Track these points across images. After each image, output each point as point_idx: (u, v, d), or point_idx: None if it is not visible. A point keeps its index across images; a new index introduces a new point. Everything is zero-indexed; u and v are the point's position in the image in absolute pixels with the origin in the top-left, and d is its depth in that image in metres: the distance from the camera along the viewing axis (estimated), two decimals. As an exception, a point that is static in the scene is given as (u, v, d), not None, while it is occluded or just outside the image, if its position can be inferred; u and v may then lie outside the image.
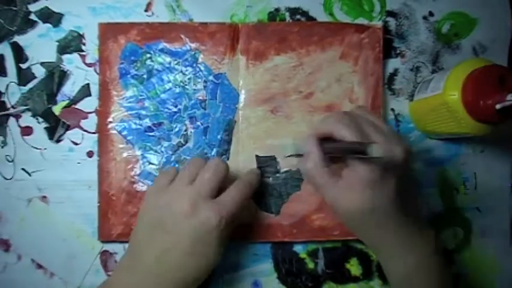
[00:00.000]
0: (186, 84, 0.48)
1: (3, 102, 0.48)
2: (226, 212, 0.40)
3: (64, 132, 0.48)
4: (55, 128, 0.48)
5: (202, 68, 0.48)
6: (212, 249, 0.40)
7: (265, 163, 0.48)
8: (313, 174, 0.40)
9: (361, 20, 0.50)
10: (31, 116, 0.48)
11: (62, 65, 0.49)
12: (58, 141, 0.48)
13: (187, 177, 0.42)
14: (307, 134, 0.41)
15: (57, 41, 0.49)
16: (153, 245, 0.40)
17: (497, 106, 0.39)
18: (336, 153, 0.40)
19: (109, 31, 0.48)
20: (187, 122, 0.48)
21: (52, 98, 0.48)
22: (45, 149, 0.48)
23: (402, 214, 0.40)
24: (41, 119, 0.48)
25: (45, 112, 0.48)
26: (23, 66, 0.49)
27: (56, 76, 0.48)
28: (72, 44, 0.49)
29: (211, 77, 0.48)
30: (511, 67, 0.49)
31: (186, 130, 0.48)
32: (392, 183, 0.39)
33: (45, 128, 0.48)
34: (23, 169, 0.48)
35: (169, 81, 0.48)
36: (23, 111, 0.48)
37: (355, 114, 0.41)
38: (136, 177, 0.48)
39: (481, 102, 0.39)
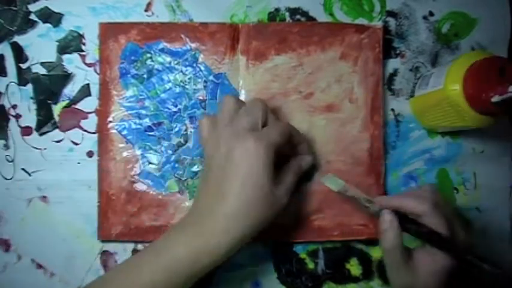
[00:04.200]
0: (186, 84, 0.48)
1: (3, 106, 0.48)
2: (270, 140, 0.39)
3: (51, 130, 0.48)
4: (44, 122, 0.48)
5: (202, 68, 0.48)
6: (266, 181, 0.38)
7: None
8: (392, 251, 0.40)
9: (361, 20, 0.50)
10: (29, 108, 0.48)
11: (62, 65, 0.49)
12: (41, 134, 0.48)
13: (227, 119, 0.41)
14: (387, 212, 0.40)
15: (57, 41, 0.49)
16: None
17: (493, 99, 0.38)
18: (420, 238, 0.40)
19: (109, 31, 0.48)
20: (187, 122, 0.48)
21: (52, 98, 0.48)
22: (45, 149, 0.48)
23: None
24: (33, 107, 0.48)
25: (42, 106, 0.48)
26: (23, 66, 0.49)
27: (58, 76, 0.48)
28: (72, 44, 0.49)
29: (211, 77, 0.48)
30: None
31: (186, 130, 0.48)
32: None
33: (37, 119, 0.48)
34: (23, 169, 0.48)
35: (169, 81, 0.48)
36: None
37: (443, 201, 0.41)
38: (136, 176, 0.48)
39: (483, 95, 0.39)
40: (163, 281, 0.37)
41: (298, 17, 0.50)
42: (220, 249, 0.38)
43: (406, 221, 0.40)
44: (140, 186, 0.48)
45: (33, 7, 0.49)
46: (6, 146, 0.48)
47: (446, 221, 0.39)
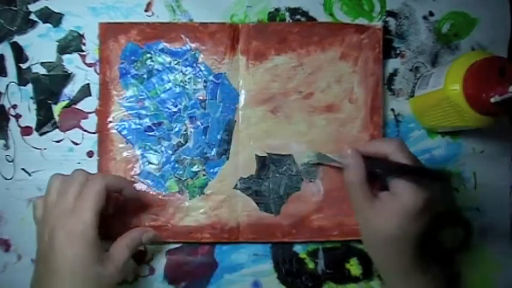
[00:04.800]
0: (186, 84, 0.48)
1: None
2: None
3: (51, 130, 0.48)
4: (44, 122, 0.48)
5: (202, 68, 0.48)
6: None
7: (265, 163, 0.48)
8: (354, 185, 0.41)
9: (361, 20, 0.50)
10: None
11: (62, 65, 0.49)
12: (41, 134, 0.48)
13: None
14: (350, 148, 0.42)
15: (57, 41, 0.49)
16: None
17: (493, 99, 0.38)
18: (384, 172, 0.41)
19: (109, 31, 0.48)
20: (187, 122, 0.48)
21: (52, 98, 0.48)
22: (45, 149, 0.48)
23: (421, 255, 0.41)
24: (33, 107, 0.48)
25: (41, 106, 0.48)
26: (23, 66, 0.49)
27: (58, 76, 0.48)
28: (72, 44, 0.49)
29: (211, 77, 0.48)
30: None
31: (186, 130, 0.48)
32: (426, 220, 0.40)
33: (37, 119, 0.48)
34: (23, 169, 0.48)
35: (169, 81, 0.48)
36: None
37: (406, 145, 0.42)
38: (136, 176, 0.48)
39: (483, 95, 0.39)
40: None
41: (298, 17, 0.50)
42: None
43: (374, 162, 0.42)
44: (140, 186, 0.48)
45: (33, 7, 0.49)
46: (6, 146, 0.48)
47: (412, 157, 0.41)
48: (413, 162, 0.40)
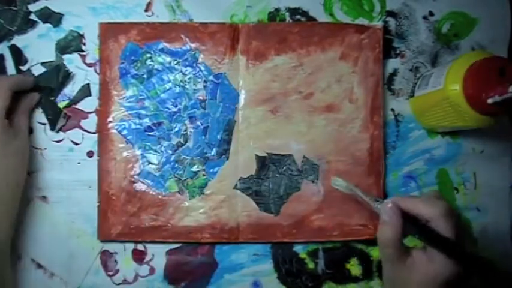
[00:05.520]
0: (186, 84, 0.48)
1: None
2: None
3: (65, 123, 0.48)
4: (56, 119, 0.48)
5: (202, 68, 0.48)
6: None
7: (265, 163, 0.48)
8: (387, 244, 0.37)
9: (361, 20, 0.50)
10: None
11: (64, 64, 0.49)
12: (58, 131, 0.48)
13: None
14: (391, 201, 0.38)
15: (57, 41, 0.49)
16: None
17: (493, 99, 0.38)
18: (420, 240, 0.37)
19: (109, 31, 0.48)
20: (187, 122, 0.48)
21: (53, 95, 0.48)
22: (45, 149, 0.48)
23: None
24: (41, 110, 0.48)
25: (46, 103, 0.48)
26: (23, 68, 0.49)
27: (59, 75, 0.48)
28: (72, 44, 0.49)
29: (211, 77, 0.48)
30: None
31: (185, 130, 0.48)
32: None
33: (47, 119, 0.48)
34: (23, 169, 0.48)
35: (169, 81, 0.48)
36: None
37: (452, 210, 0.37)
38: (136, 176, 0.48)
39: (483, 95, 0.39)
40: None
41: (298, 17, 0.50)
42: None
43: (412, 225, 0.37)
44: (140, 186, 0.48)
45: (33, 7, 0.49)
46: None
47: (454, 228, 0.36)
48: (456, 233, 0.36)
